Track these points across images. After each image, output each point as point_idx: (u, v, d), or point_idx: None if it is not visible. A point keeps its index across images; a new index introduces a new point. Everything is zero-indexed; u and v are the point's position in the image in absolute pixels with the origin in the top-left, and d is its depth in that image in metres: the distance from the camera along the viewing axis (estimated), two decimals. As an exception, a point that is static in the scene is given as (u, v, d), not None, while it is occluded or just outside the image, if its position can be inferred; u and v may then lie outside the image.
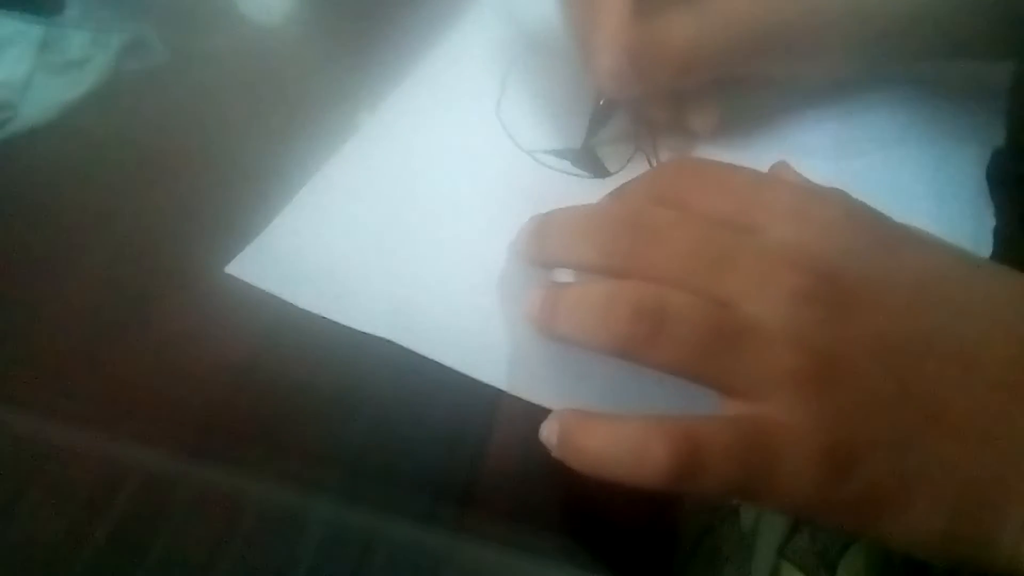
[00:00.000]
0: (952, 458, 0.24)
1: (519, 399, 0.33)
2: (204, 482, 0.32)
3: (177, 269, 0.38)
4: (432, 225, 0.39)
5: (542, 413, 0.28)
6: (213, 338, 0.36)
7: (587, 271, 0.29)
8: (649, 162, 0.42)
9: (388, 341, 0.34)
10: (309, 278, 0.36)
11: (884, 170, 0.40)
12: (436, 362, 0.34)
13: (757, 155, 0.31)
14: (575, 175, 0.41)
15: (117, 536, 0.31)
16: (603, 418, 0.26)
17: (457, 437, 0.34)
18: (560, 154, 0.42)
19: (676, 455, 0.24)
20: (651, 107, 0.41)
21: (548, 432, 0.27)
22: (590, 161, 0.41)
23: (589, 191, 0.39)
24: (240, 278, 0.36)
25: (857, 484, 0.24)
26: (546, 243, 0.31)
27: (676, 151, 0.42)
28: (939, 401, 0.24)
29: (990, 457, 0.24)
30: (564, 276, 0.33)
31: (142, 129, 0.44)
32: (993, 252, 0.37)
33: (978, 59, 0.41)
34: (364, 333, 0.35)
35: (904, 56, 0.40)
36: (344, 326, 0.35)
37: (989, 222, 0.38)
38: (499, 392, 0.33)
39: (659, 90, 0.39)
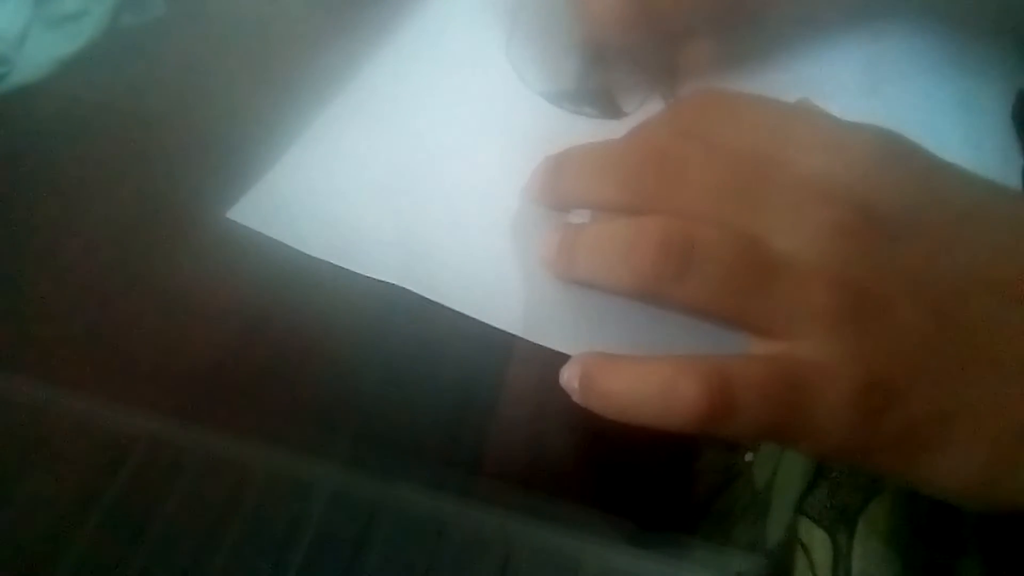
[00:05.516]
0: (993, 394, 0.23)
1: (533, 351, 0.31)
2: (211, 448, 0.32)
3: (178, 220, 0.37)
4: (442, 168, 0.37)
5: (557, 368, 0.27)
6: (216, 289, 0.35)
7: (607, 210, 0.28)
8: (666, 101, 0.40)
9: (397, 288, 0.33)
10: (314, 223, 0.35)
11: (908, 110, 0.39)
12: (447, 312, 0.32)
13: (777, 94, 0.30)
14: (589, 116, 0.40)
15: (124, 501, 0.30)
16: (628, 359, 0.25)
17: (466, 397, 0.33)
18: (573, 94, 0.40)
19: (707, 394, 0.23)
20: (645, 51, 0.39)
21: (569, 376, 0.26)
22: (604, 101, 0.40)
23: (604, 132, 0.37)
24: (242, 223, 0.35)
25: (895, 424, 0.23)
26: (562, 182, 0.30)
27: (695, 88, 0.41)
28: (980, 336, 0.23)
29: None
30: (580, 218, 0.31)
31: (140, 84, 0.43)
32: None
33: None
34: (372, 280, 0.33)
35: None
36: (351, 272, 0.33)
37: (1017, 162, 0.37)
38: (511, 345, 0.32)
39: (662, 30, 0.37)
